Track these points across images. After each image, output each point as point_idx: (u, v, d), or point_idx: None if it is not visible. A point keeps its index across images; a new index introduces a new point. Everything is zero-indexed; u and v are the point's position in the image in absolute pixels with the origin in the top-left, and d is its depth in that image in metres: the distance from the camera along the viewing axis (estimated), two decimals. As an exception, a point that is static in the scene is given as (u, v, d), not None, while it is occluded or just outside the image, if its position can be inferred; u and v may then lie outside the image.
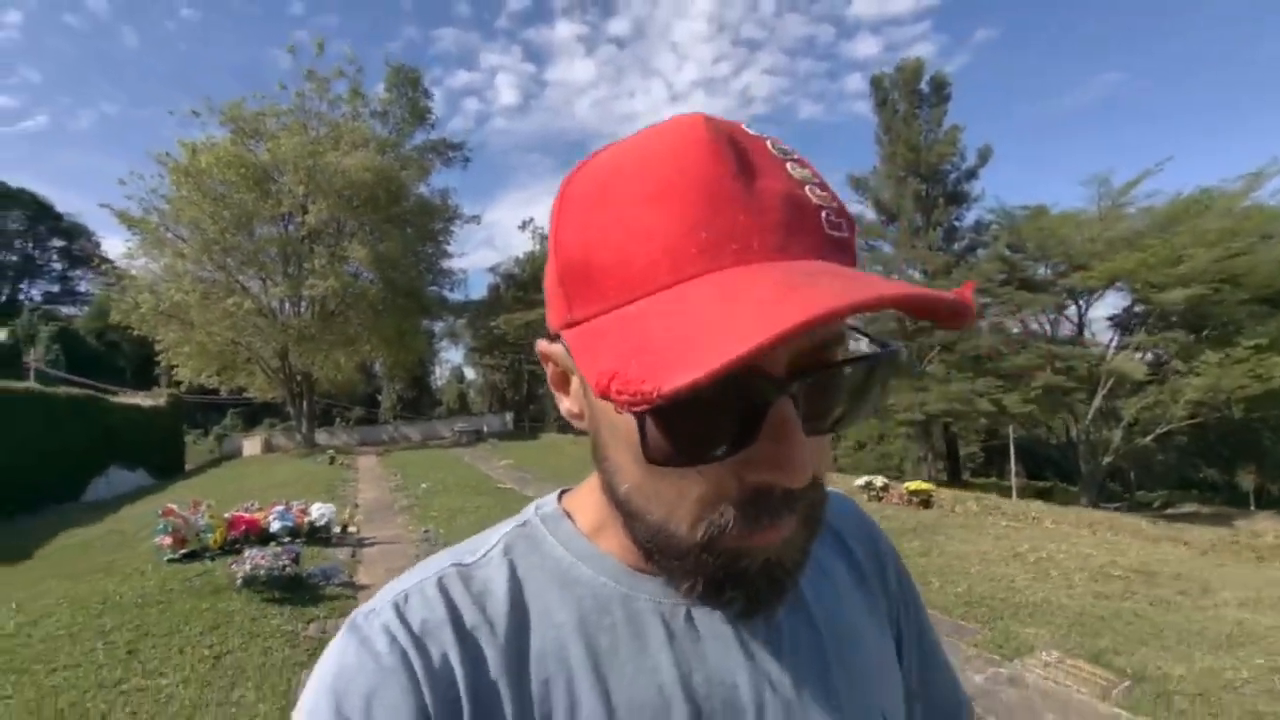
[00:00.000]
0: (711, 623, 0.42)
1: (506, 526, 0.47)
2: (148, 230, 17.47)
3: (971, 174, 25.37)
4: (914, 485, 7.51)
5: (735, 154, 0.34)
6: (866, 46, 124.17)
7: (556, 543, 0.44)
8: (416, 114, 21.48)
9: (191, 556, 5.42)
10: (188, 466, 19.11)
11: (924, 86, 25.36)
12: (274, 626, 4.03)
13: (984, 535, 6.31)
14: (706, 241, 0.31)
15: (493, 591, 0.42)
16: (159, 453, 17.48)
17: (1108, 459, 20.64)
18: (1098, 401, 20.70)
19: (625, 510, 0.38)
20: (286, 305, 18.65)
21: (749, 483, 0.34)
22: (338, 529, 6.27)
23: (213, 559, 5.32)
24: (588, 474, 0.46)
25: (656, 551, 0.38)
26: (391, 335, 19.85)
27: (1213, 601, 4.57)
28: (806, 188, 0.34)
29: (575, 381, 0.40)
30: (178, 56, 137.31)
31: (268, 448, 21.00)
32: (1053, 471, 30.27)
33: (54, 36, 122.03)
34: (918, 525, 6.57)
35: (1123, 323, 21.79)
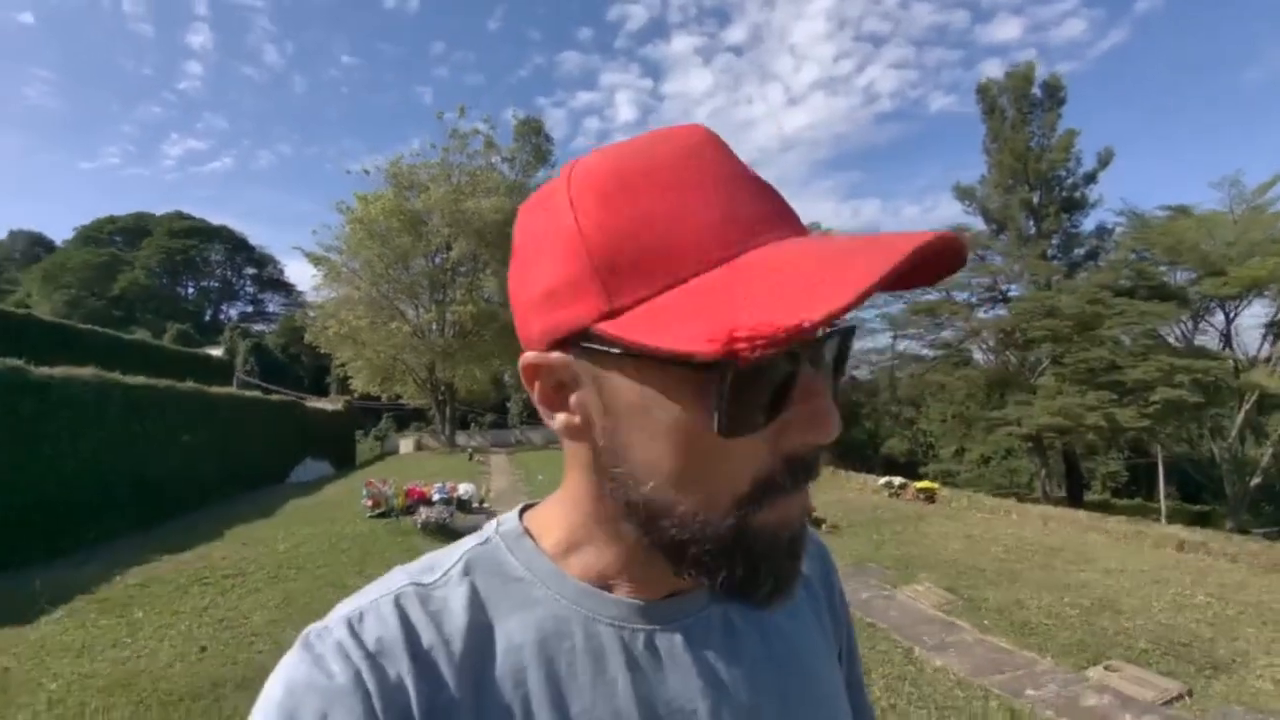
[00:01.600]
0: (671, 648, 0.42)
1: (467, 544, 0.46)
2: (330, 267, 21.59)
3: (1090, 178, 24.43)
4: (922, 484, 8.80)
5: (734, 154, 0.39)
6: (1007, 29, 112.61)
7: (517, 562, 0.43)
8: (539, 156, 24.71)
9: (383, 515, 7.86)
10: (358, 460, 23.00)
11: (1036, 91, 24.75)
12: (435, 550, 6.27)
13: (958, 523, 7.66)
14: (745, 222, 0.35)
15: (451, 611, 0.41)
16: (337, 448, 21.35)
17: (1256, 479, 19.31)
18: (1241, 417, 19.41)
19: (647, 512, 0.37)
20: (434, 327, 22.13)
21: (782, 450, 0.36)
22: (476, 502, 8.54)
23: (397, 516, 7.73)
24: None
25: (691, 544, 0.37)
26: (519, 352, 22.65)
27: (1067, 559, 6.01)
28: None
29: (580, 391, 0.38)
30: (340, 99, 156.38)
31: (418, 446, 24.70)
32: (1211, 494, 27.68)
33: (235, 87, 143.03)
34: (914, 514, 8.03)
35: (1270, 332, 20.21)
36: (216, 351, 26.07)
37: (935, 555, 6.18)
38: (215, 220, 68.25)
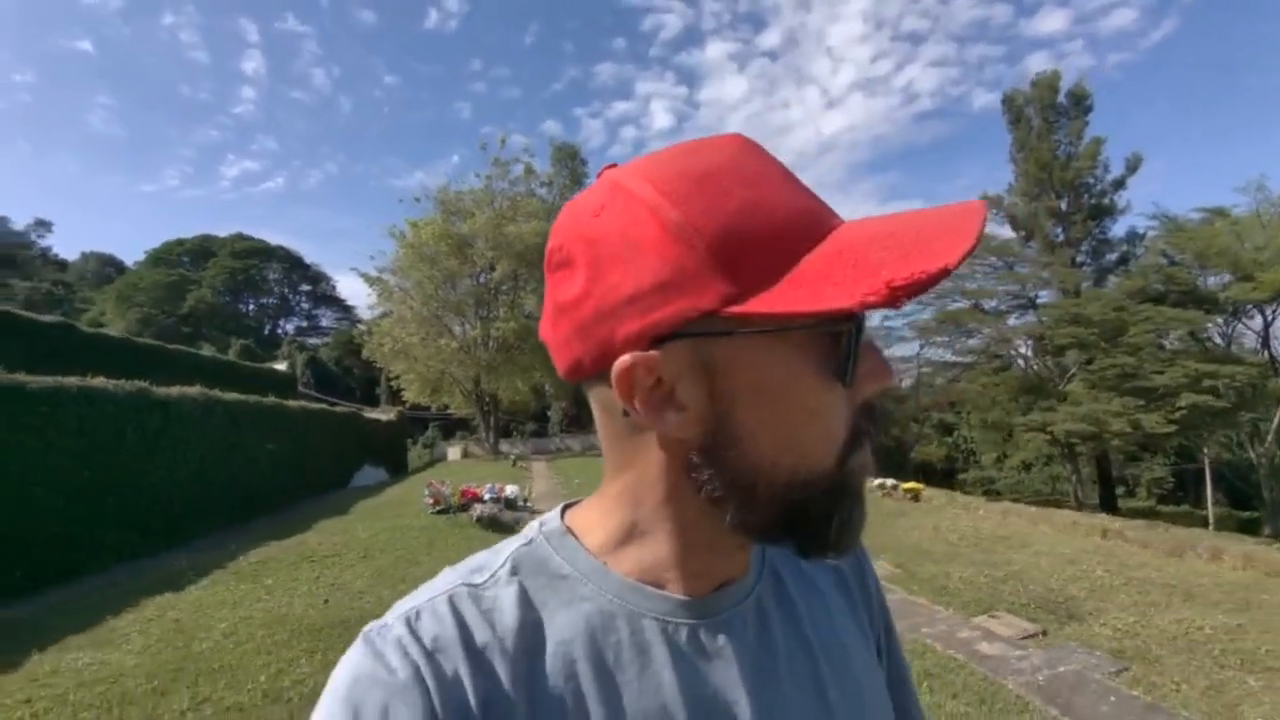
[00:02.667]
0: (713, 641, 0.43)
1: (512, 545, 0.47)
2: (383, 287, 23.39)
3: (1119, 184, 24.55)
4: (908, 485, 9.81)
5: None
6: (1052, 21, 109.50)
7: (562, 560, 0.45)
8: (575, 179, 26.32)
9: (443, 511, 9.14)
10: (409, 467, 24.64)
11: (1062, 100, 25.02)
12: (489, 539, 7.50)
13: (931, 518, 8.62)
14: (820, 206, 0.40)
15: (502, 609, 0.42)
16: (392, 455, 23.01)
17: None
18: (1277, 422, 19.34)
19: (770, 482, 0.38)
20: (479, 342, 23.71)
21: (857, 400, 0.39)
22: (521, 501, 9.76)
23: (454, 512, 8.99)
24: None
25: (810, 502, 0.39)
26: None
27: (1007, 545, 7.02)
28: None
29: (683, 384, 0.38)
30: (382, 118, 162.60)
31: (464, 453, 26.26)
32: (1260, 500, 26.87)
33: (286, 109, 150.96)
34: (896, 510, 9.12)
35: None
36: (281, 366, 28.19)
37: (898, 542, 7.20)
38: (270, 239, 72.12)
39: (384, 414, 23.94)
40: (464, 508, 8.98)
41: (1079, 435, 19.89)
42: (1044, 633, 4.37)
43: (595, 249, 0.39)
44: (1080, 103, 24.97)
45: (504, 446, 27.46)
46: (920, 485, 9.89)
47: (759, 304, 0.35)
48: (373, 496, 12.87)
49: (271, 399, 12.95)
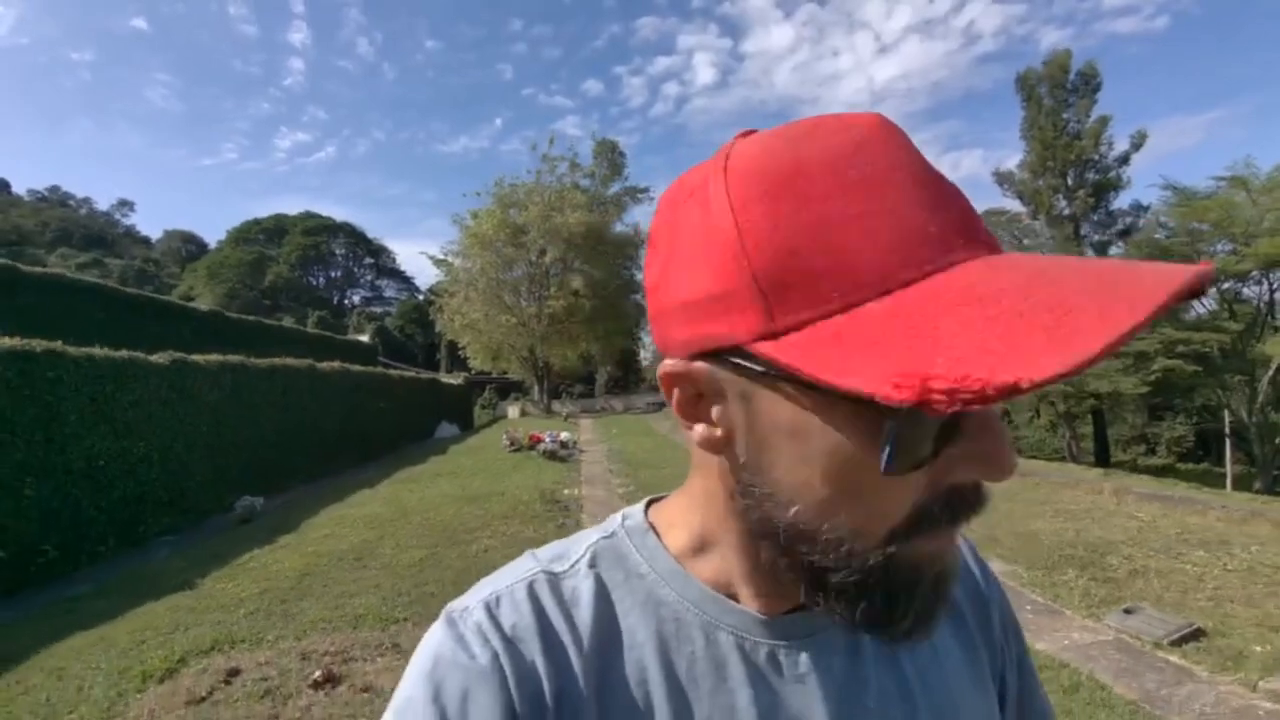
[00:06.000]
0: (795, 666, 0.41)
1: (593, 536, 0.46)
2: (450, 269, 27.38)
3: (1124, 160, 26.08)
4: None
5: (916, 148, 0.34)
6: None
7: (641, 559, 0.44)
8: (614, 169, 29.67)
9: (516, 450, 12.83)
10: (475, 423, 28.82)
11: (1073, 79, 26.49)
12: (552, 466, 11.10)
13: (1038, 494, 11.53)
14: (936, 237, 0.30)
15: (579, 603, 0.42)
16: (461, 413, 27.14)
17: None
18: (1265, 385, 21.07)
19: (788, 535, 0.35)
20: (534, 317, 27.53)
21: (944, 484, 0.33)
22: (572, 443, 13.37)
23: (525, 450, 12.68)
24: None
25: (832, 572, 0.35)
26: (601, 335, 28.56)
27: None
28: None
29: (723, 405, 0.36)
30: (426, 83, 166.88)
31: (523, 412, 30.34)
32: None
33: (333, 80, 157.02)
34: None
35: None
36: (364, 338, 32.69)
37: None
38: (324, 210, 77.23)
39: (454, 379, 28.05)
40: (531, 447, 12.64)
41: (1062, 394, 22.28)
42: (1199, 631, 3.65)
43: (672, 240, 0.37)
44: (1089, 82, 26.42)
45: (555, 406, 31.44)
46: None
47: (789, 350, 0.30)
48: (458, 443, 16.79)
49: (380, 369, 16.90)
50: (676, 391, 0.38)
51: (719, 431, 0.37)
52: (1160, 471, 20.45)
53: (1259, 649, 3.49)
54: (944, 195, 0.32)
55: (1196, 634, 3.71)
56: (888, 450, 0.30)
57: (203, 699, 2.96)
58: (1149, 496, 7.21)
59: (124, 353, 7.43)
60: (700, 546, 0.43)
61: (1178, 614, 3.96)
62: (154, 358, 7.91)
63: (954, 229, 0.31)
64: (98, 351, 7.05)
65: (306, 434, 11.76)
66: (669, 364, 0.38)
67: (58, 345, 6.56)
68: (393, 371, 18.29)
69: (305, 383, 11.95)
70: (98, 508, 6.73)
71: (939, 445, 0.31)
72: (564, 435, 13.34)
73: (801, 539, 0.35)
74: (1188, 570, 4.75)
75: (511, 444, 12.91)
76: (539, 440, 12.69)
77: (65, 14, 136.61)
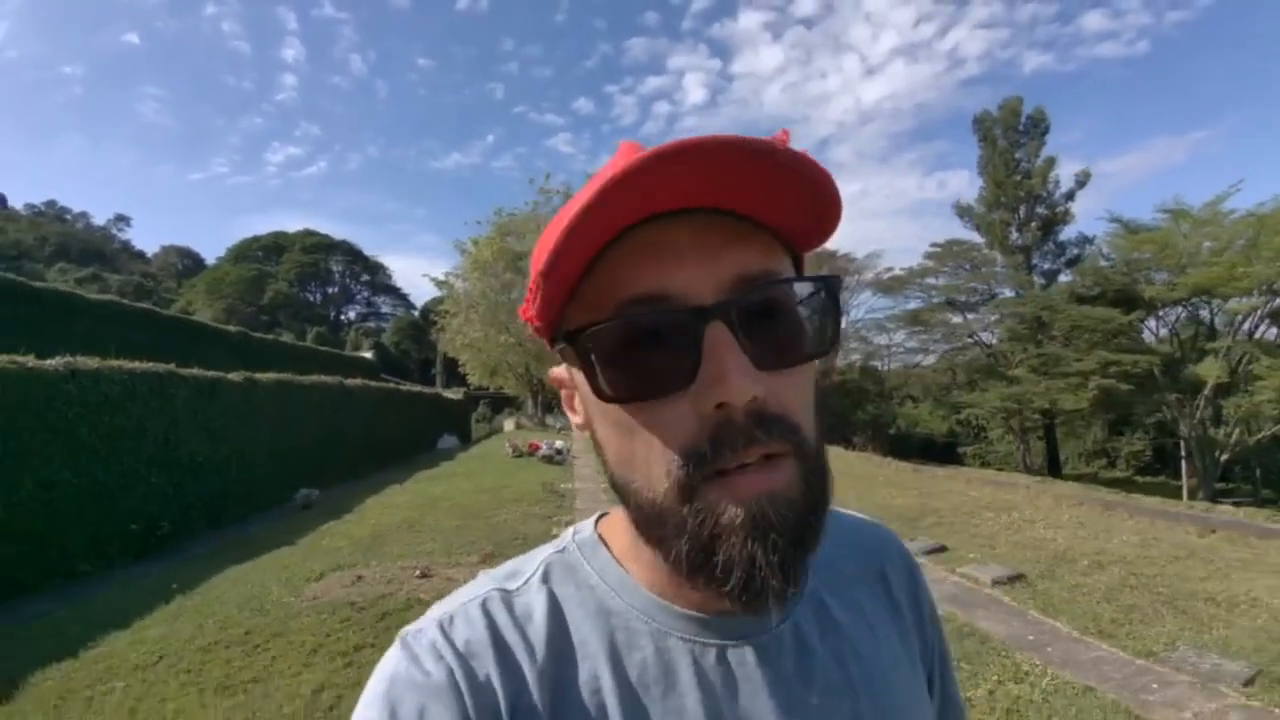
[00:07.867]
0: (742, 664, 0.42)
1: (546, 552, 0.48)
2: (450, 291, 29.40)
3: (1069, 196, 28.60)
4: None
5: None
6: None
7: (592, 571, 0.45)
8: None
9: (518, 456, 14.81)
10: (473, 435, 30.70)
11: (1024, 123, 29.09)
12: (551, 468, 13.12)
13: (851, 480, 13.95)
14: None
15: (533, 617, 0.43)
16: (460, 426, 29.05)
17: (1225, 456, 22.11)
18: (1201, 403, 22.86)
19: (623, 498, 0.39)
20: (529, 338, 29.48)
21: (705, 414, 0.35)
22: (566, 450, 15.36)
23: (525, 457, 14.66)
24: None
25: (649, 525, 0.38)
26: None
27: (893, 492, 11.77)
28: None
29: (573, 390, 0.42)
30: (418, 101, 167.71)
31: (518, 425, 32.27)
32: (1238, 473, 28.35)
33: (325, 96, 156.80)
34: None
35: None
36: (367, 354, 34.58)
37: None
38: (315, 225, 78.63)
39: (454, 394, 29.99)
40: (530, 453, 14.65)
41: (1004, 411, 24.46)
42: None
43: None
44: (1038, 125, 29.03)
45: (549, 420, 33.40)
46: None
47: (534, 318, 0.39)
48: (463, 452, 18.74)
49: (392, 385, 18.86)
50: (563, 390, 0.45)
51: (580, 418, 0.43)
52: (1119, 484, 21.75)
53: (972, 555, 6.00)
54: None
55: (942, 549, 6.25)
56: (595, 376, 0.37)
57: (352, 585, 4.95)
58: (988, 482, 9.66)
59: (213, 373, 9.41)
60: (635, 554, 0.45)
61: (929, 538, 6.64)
62: (230, 376, 9.88)
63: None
64: (197, 371, 9.04)
65: (339, 441, 13.70)
66: (552, 370, 0.45)
67: (173, 366, 8.55)
68: (402, 387, 20.23)
69: (337, 397, 13.91)
70: (197, 495, 8.68)
71: (679, 375, 0.35)
72: (559, 444, 15.35)
73: (627, 502, 0.40)
74: (976, 525, 7.14)
75: (514, 451, 14.91)
76: (537, 448, 14.71)
77: (56, 29, 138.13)
